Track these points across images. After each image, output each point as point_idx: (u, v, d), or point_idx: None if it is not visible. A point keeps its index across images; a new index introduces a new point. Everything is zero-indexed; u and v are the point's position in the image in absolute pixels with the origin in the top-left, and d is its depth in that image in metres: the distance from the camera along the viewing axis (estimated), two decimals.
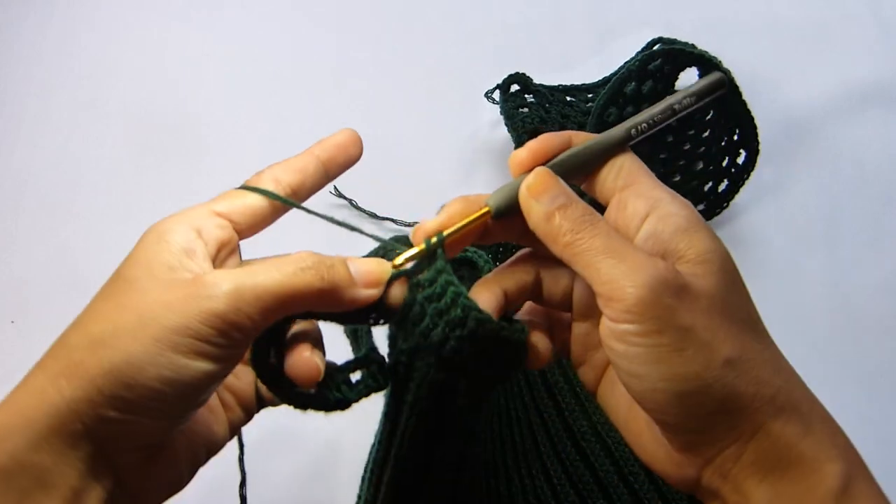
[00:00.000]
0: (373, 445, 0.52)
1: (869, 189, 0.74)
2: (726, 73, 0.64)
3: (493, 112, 0.73)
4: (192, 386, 0.31)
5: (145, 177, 0.76)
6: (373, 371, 0.38)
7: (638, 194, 0.36)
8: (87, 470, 0.31)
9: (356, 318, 0.37)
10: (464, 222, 0.36)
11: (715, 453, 0.33)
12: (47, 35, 0.84)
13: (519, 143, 0.68)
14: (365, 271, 0.35)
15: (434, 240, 0.36)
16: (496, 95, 0.72)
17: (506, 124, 0.70)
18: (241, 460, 0.44)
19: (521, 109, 0.70)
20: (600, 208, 0.37)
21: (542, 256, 0.38)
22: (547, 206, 0.35)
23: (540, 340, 0.38)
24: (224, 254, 0.37)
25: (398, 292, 0.36)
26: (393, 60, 0.82)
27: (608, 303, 0.32)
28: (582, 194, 0.37)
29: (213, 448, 0.39)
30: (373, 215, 0.72)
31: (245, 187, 0.38)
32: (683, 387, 0.31)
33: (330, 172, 0.41)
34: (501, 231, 0.38)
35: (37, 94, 0.80)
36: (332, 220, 0.39)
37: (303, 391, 0.36)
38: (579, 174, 0.38)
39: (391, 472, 0.40)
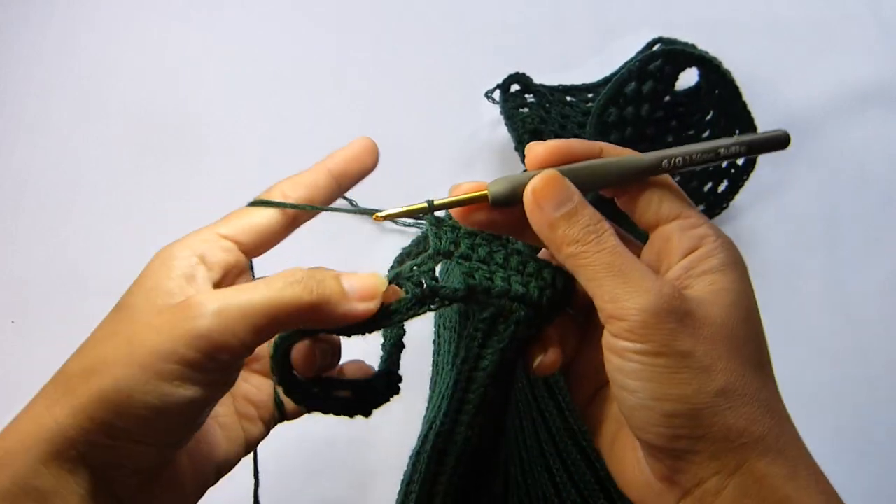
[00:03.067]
0: (427, 426, 0.50)
1: (869, 189, 0.74)
2: (730, 78, 0.64)
3: (494, 112, 0.73)
4: (180, 413, 0.31)
5: (145, 177, 0.76)
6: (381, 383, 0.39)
7: (684, 229, 0.35)
8: (87, 495, 0.31)
9: (359, 330, 0.37)
10: (460, 197, 0.36)
11: (695, 484, 0.32)
12: (47, 35, 0.84)
13: (519, 142, 0.68)
14: (359, 286, 0.35)
15: (425, 204, 0.37)
16: (496, 95, 0.72)
17: (506, 124, 0.70)
18: (255, 464, 0.44)
19: (521, 109, 0.70)
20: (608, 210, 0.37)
21: None
22: (551, 214, 0.34)
23: (553, 352, 0.38)
24: (232, 276, 0.37)
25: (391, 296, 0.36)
26: (393, 60, 0.82)
27: (610, 320, 0.33)
28: (601, 200, 0.37)
29: (223, 467, 0.39)
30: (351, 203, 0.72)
31: (252, 203, 0.38)
32: (673, 408, 0.32)
33: (343, 185, 0.41)
34: (504, 222, 0.38)
35: (37, 94, 0.80)
36: (338, 209, 0.40)
37: (314, 395, 0.38)
38: (600, 187, 0.37)
39: (462, 445, 0.39)
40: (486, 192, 0.36)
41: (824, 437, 0.64)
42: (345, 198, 0.72)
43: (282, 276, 0.33)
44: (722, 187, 0.70)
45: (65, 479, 0.30)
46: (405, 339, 0.45)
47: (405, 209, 0.37)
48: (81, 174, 0.76)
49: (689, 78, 0.72)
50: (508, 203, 0.36)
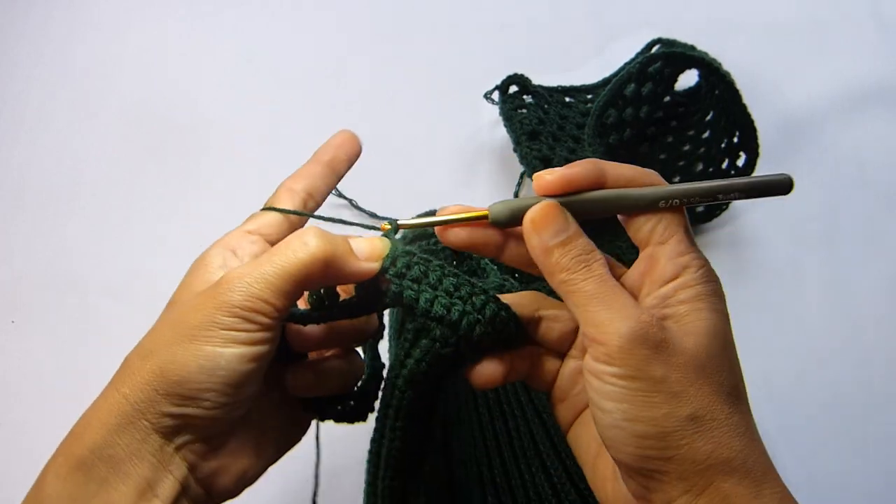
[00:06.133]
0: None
1: (869, 189, 0.74)
2: (729, 79, 0.64)
3: (493, 112, 0.73)
4: (231, 370, 0.35)
5: (145, 176, 0.76)
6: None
7: (670, 256, 0.37)
8: (157, 462, 0.35)
9: (367, 305, 0.40)
10: (463, 215, 0.39)
11: (665, 502, 0.34)
12: (47, 35, 0.84)
13: (517, 143, 0.68)
14: (364, 246, 0.39)
15: (389, 225, 0.40)
16: (495, 96, 0.72)
17: (505, 125, 0.70)
18: (316, 467, 0.45)
19: (519, 110, 0.70)
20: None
21: (546, 297, 0.41)
22: (546, 242, 0.37)
23: (491, 365, 0.40)
24: None
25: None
26: (393, 61, 0.82)
27: (592, 343, 0.35)
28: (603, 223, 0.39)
29: (282, 445, 0.42)
30: (373, 215, 0.72)
31: (266, 209, 0.42)
32: (644, 429, 0.34)
33: (337, 170, 0.45)
34: (506, 250, 0.40)
35: (37, 93, 0.81)
36: (344, 222, 0.42)
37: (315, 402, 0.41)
38: (600, 217, 0.39)
39: (388, 446, 0.41)
40: (486, 212, 0.39)
41: (824, 436, 0.64)
42: (344, 197, 0.72)
43: (297, 234, 0.37)
44: None
45: (136, 447, 0.34)
46: None
47: (417, 222, 0.40)
48: (81, 174, 0.76)
49: (689, 78, 0.72)
50: (507, 225, 0.39)
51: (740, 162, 0.69)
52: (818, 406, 0.65)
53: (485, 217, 0.39)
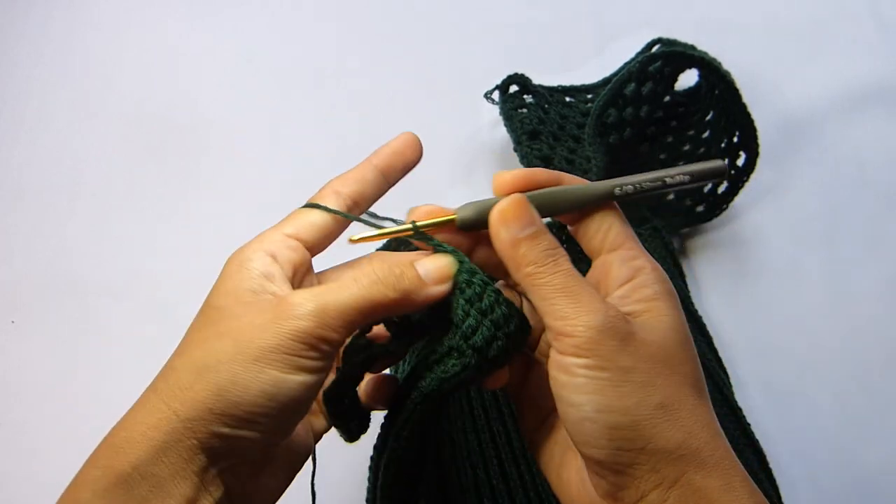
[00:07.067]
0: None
1: (869, 189, 0.74)
2: (729, 79, 0.64)
3: (493, 112, 0.73)
4: (292, 398, 0.34)
5: (145, 176, 0.76)
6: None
7: (623, 260, 0.38)
8: (199, 482, 0.34)
9: (441, 323, 0.39)
10: (431, 221, 0.39)
11: (637, 499, 0.34)
12: (47, 35, 0.84)
13: (518, 143, 0.68)
14: (434, 268, 0.38)
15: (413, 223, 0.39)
16: (496, 96, 0.72)
17: (505, 125, 0.70)
18: (312, 479, 0.45)
19: (520, 110, 0.70)
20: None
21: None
22: (515, 234, 0.37)
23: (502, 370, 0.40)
24: (301, 273, 0.40)
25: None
26: (393, 61, 0.82)
27: (559, 337, 0.35)
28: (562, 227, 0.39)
29: (304, 455, 0.42)
30: (373, 215, 0.72)
31: (308, 205, 0.41)
32: (616, 420, 0.34)
33: (389, 178, 0.44)
34: (468, 245, 0.41)
35: (37, 93, 0.81)
36: (392, 223, 0.41)
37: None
38: (559, 212, 0.40)
39: (389, 454, 0.41)
40: (453, 216, 0.39)
41: (824, 436, 0.64)
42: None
43: (367, 272, 0.36)
44: (722, 188, 0.70)
45: (181, 468, 0.33)
46: None
47: (388, 231, 0.40)
48: (81, 174, 0.76)
49: (689, 78, 0.72)
50: (474, 227, 0.39)
51: (740, 161, 0.69)
52: (818, 406, 0.65)
53: (452, 221, 0.39)
